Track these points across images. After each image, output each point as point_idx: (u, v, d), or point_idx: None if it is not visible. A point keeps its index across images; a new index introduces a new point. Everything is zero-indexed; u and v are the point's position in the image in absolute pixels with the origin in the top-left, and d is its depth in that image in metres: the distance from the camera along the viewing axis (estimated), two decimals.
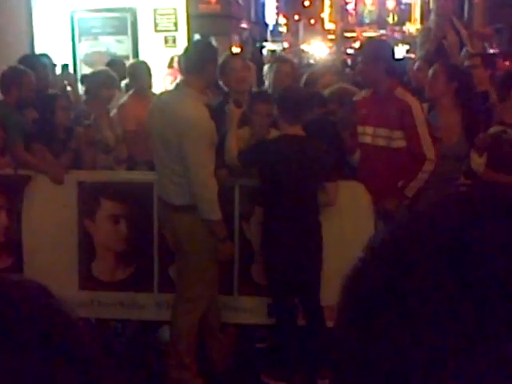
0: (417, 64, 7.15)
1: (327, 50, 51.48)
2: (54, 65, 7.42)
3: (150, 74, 6.96)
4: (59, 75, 7.94)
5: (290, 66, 6.93)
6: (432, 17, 8.11)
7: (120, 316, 5.94)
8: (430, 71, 5.79)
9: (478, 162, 5.44)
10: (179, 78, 7.39)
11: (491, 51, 8.73)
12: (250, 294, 5.69)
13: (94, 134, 6.05)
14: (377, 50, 5.50)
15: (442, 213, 0.67)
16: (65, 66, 8.29)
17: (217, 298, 5.39)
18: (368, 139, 5.42)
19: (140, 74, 6.88)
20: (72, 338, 0.80)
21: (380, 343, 0.62)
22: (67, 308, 0.83)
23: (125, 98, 6.80)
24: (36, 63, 6.86)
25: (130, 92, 6.84)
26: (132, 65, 7.22)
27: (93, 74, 6.56)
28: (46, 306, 0.80)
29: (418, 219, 0.68)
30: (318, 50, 54.10)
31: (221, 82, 6.14)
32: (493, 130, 5.56)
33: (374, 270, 0.67)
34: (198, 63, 4.89)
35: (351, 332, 0.66)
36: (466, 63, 6.78)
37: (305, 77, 6.86)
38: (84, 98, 6.73)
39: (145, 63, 7.19)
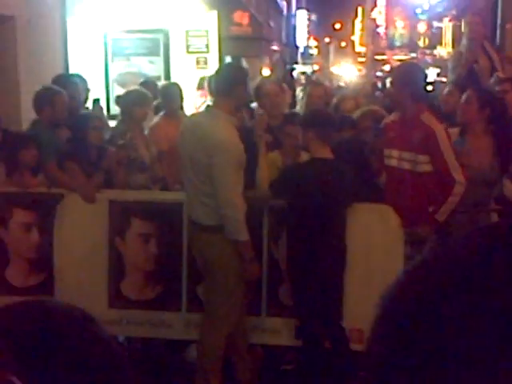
0: (447, 88, 7.16)
1: (357, 73, 51.49)
2: (88, 89, 7.46)
3: (181, 96, 7.05)
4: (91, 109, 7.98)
5: (323, 89, 7.06)
6: (463, 41, 8.09)
7: (148, 335, 5.97)
8: (463, 97, 5.79)
9: (511, 188, 5.44)
10: (209, 99, 7.50)
11: None
12: (278, 315, 5.69)
13: (128, 153, 6.13)
14: (406, 75, 5.52)
15: (476, 246, 0.71)
16: (96, 101, 8.36)
17: (244, 318, 5.40)
18: (394, 162, 5.44)
19: (172, 95, 6.96)
20: (109, 362, 0.86)
21: (418, 355, 0.67)
22: (105, 333, 0.89)
23: (156, 119, 6.89)
24: (68, 83, 6.95)
25: (161, 113, 6.92)
26: (164, 86, 7.30)
27: (126, 93, 6.63)
28: (89, 332, 0.86)
29: (455, 250, 0.72)
30: (348, 72, 54.13)
31: (255, 104, 6.22)
32: None
33: (413, 291, 0.71)
34: (228, 86, 4.94)
35: (390, 345, 0.70)
36: (497, 88, 6.77)
37: (335, 100, 6.92)
38: (119, 118, 6.81)
39: (177, 85, 7.28)
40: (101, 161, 5.98)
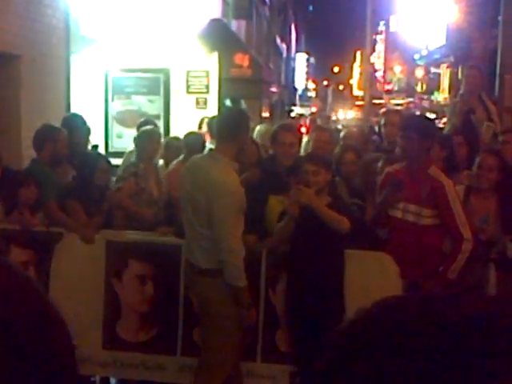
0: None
1: (354, 116, 51.80)
2: (89, 130, 7.53)
3: (204, 147, 7.24)
4: None
5: (330, 134, 7.33)
6: (461, 90, 8.12)
7: (142, 377, 5.91)
8: (482, 161, 5.67)
9: None
10: (209, 141, 7.63)
11: None
12: (274, 362, 5.65)
13: (138, 182, 6.34)
14: (426, 128, 5.47)
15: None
16: (94, 147, 8.44)
17: (240, 364, 5.36)
18: (398, 214, 5.42)
19: (195, 145, 7.13)
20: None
21: None
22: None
23: (173, 164, 7.09)
24: (77, 126, 7.01)
25: (181, 158, 7.06)
26: (189, 134, 7.46)
27: (140, 132, 7.04)
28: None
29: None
30: (345, 115, 54.45)
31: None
32: None
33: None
34: (230, 131, 4.97)
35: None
36: (500, 138, 6.78)
37: (337, 149, 6.97)
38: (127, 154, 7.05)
39: (201, 136, 7.56)
40: (103, 201, 6.01)
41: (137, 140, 6.89)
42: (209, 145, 7.26)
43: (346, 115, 54.25)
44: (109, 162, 6.57)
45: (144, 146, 6.66)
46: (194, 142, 7.17)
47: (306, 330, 5.12)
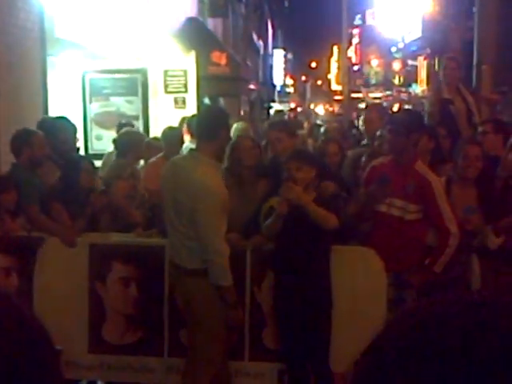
0: None
1: (333, 111, 51.85)
2: (76, 129, 7.49)
3: (182, 141, 7.37)
4: None
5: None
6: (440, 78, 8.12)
7: (129, 380, 5.87)
8: (472, 152, 5.64)
9: (495, 241, 5.45)
10: (189, 140, 7.65)
11: None
12: (261, 360, 5.64)
13: (135, 184, 6.38)
14: (413, 122, 5.46)
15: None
16: (76, 150, 8.41)
17: (227, 363, 5.34)
18: (384, 208, 5.40)
19: (173, 139, 7.24)
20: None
21: None
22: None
23: (153, 158, 7.08)
24: (62, 127, 6.96)
25: (160, 154, 7.08)
26: (167, 129, 7.51)
27: (130, 133, 7.06)
28: None
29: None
30: (325, 110, 54.59)
31: None
32: None
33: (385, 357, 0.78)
34: (210, 130, 4.94)
35: None
36: (480, 129, 6.79)
37: (320, 142, 6.98)
38: (115, 158, 7.04)
39: (179, 130, 7.68)
40: (87, 204, 5.98)
41: (127, 141, 6.83)
42: (190, 144, 7.25)
43: (325, 111, 54.34)
44: (92, 164, 6.54)
45: (138, 147, 6.68)
46: (171, 136, 7.21)
47: (294, 326, 5.12)
